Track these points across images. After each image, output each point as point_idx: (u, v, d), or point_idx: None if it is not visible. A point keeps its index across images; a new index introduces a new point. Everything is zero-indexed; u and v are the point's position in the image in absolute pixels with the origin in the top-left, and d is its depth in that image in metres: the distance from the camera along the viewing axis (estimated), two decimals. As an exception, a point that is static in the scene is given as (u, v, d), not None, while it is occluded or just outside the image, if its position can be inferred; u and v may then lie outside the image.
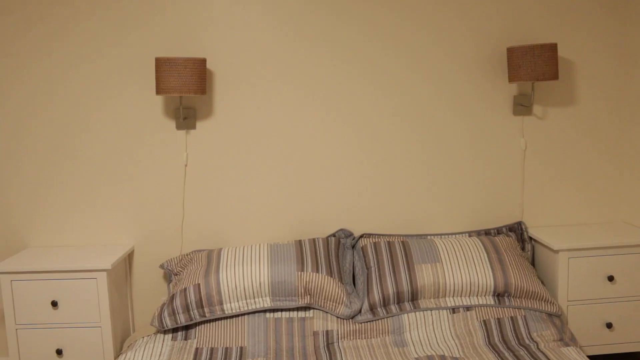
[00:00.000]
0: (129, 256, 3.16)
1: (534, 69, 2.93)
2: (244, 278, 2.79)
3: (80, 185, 3.09)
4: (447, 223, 3.26)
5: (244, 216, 3.18)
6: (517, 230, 3.22)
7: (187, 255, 3.06)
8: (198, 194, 3.14)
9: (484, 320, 2.74)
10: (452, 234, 3.23)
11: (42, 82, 3.02)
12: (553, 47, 2.93)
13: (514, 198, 3.27)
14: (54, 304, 2.79)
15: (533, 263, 3.21)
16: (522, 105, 3.19)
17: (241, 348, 2.64)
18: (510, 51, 3.01)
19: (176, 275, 3.03)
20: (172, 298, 2.76)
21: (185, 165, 3.12)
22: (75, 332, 2.83)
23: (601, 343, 3.00)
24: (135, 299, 3.19)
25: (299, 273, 2.81)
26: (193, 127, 3.09)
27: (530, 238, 3.21)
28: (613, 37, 3.20)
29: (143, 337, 2.74)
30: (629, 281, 2.98)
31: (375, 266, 2.94)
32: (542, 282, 3.11)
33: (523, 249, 3.19)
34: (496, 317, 2.75)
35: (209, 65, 3.06)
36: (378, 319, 2.78)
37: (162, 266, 3.07)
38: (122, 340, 3.02)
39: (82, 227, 3.13)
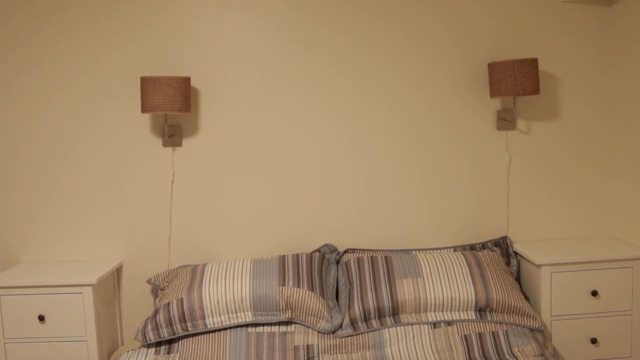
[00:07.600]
0: (118, 271, 3.22)
1: (514, 83, 2.94)
2: (226, 293, 2.83)
3: (71, 203, 3.16)
4: (433, 238, 3.27)
5: (230, 231, 3.22)
6: (502, 245, 3.22)
7: (173, 270, 3.11)
8: (185, 210, 3.19)
9: (465, 335, 2.73)
10: (437, 248, 3.23)
11: (29, 100, 3.10)
12: (533, 62, 2.95)
13: (499, 213, 3.27)
14: (41, 318, 2.85)
15: (519, 278, 3.20)
16: (505, 120, 3.20)
17: (222, 362, 2.67)
18: (491, 66, 3.03)
19: (162, 290, 3.08)
20: (155, 312, 2.81)
21: (172, 182, 3.17)
22: (62, 346, 2.88)
23: (586, 359, 2.97)
24: (124, 314, 3.24)
25: (280, 288, 2.84)
26: (179, 144, 3.15)
27: (516, 253, 3.20)
28: (595, 50, 3.21)
29: (128, 351, 2.77)
30: (614, 296, 2.96)
31: (357, 281, 2.95)
32: (527, 297, 3.10)
33: (508, 263, 3.19)
34: (477, 332, 2.74)
35: (194, 84, 3.13)
36: (359, 334, 2.79)
37: (149, 281, 3.11)
38: (110, 353, 3.07)
39: (73, 243, 3.19)
